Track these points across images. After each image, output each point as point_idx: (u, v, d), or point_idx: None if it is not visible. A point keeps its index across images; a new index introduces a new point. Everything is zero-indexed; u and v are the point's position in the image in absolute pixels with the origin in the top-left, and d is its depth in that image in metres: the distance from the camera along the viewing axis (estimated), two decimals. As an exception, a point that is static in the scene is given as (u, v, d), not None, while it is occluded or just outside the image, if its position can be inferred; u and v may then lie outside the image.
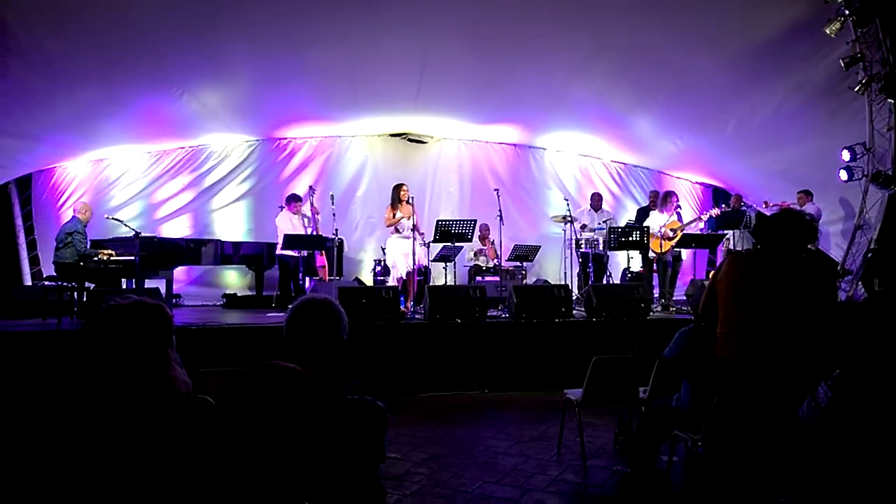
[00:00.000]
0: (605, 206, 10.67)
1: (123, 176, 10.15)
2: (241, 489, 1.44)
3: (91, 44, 6.78)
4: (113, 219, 7.82)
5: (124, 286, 7.52)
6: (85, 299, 6.95)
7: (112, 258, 7.43)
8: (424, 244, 7.97)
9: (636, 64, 8.30)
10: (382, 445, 2.05)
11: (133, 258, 7.30)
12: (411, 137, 11.40)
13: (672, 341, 3.75)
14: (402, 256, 7.79)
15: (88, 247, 7.44)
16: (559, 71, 8.59)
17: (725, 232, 9.12)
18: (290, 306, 2.13)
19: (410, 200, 7.93)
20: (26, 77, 7.03)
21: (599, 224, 9.62)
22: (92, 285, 7.22)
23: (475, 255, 10.14)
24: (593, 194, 10.40)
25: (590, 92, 9.23)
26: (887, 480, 2.31)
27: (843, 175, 8.45)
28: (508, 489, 3.79)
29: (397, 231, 7.85)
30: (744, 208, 9.57)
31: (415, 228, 7.77)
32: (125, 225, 7.52)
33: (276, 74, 8.29)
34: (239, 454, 1.43)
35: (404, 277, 7.82)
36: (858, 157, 8.31)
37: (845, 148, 8.35)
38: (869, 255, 8.35)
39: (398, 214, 7.80)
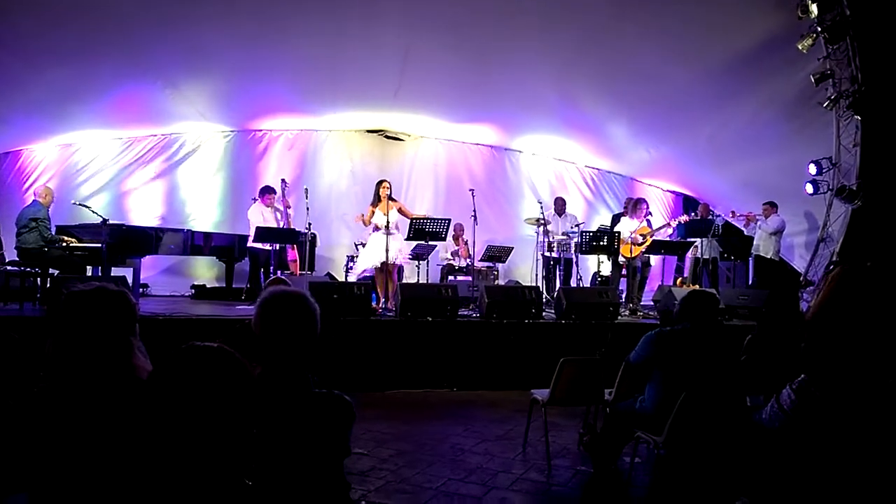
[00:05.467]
0: (576, 211, 10.74)
1: (92, 162, 9.92)
2: (200, 478, 1.43)
3: (66, 25, 6.63)
4: (80, 204, 7.65)
5: (90, 273, 7.37)
6: (48, 286, 6.80)
7: (77, 245, 7.27)
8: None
9: (614, 72, 8.41)
10: (348, 439, 2.05)
11: (100, 245, 7.16)
12: (388, 134, 11.37)
13: (638, 345, 3.80)
14: (374, 252, 7.75)
15: (53, 232, 7.27)
16: (539, 73, 8.65)
17: (694, 239, 9.27)
18: (260, 298, 2.10)
19: (391, 197, 7.91)
20: (-4, 56, 6.86)
21: (571, 228, 9.69)
22: (56, 272, 7.06)
23: (451, 255, 10.16)
24: (556, 199, 10.45)
25: (567, 96, 9.32)
26: (847, 485, 2.37)
27: (809, 188, 8.65)
28: (473, 486, 3.82)
29: (377, 228, 7.80)
30: (711, 217, 9.75)
31: (394, 224, 7.74)
32: (93, 211, 7.37)
33: (254, 64, 8.20)
34: (177, 435, 1.42)
35: (370, 273, 7.80)
36: (824, 171, 8.51)
37: (812, 162, 8.55)
38: (831, 267, 8.57)
39: (377, 213, 7.75)
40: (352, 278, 8.07)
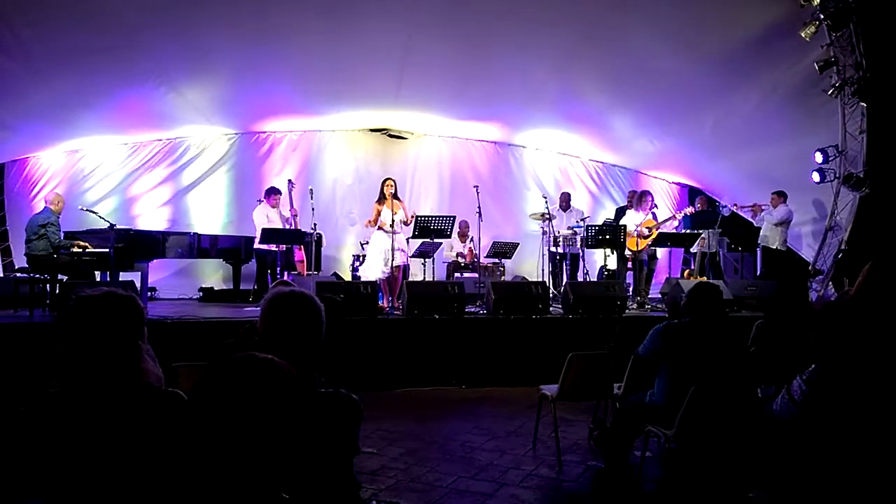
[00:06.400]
0: (581, 205, 10.71)
1: (99, 167, 9.98)
2: (213, 482, 1.43)
3: (69, 32, 6.65)
4: (87, 210, 7.69)
5: (98, 279, 7.41)
6: (58, 292, 6.84)
7: (86, 250, 7.31)
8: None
9: (616, 63, 8.36)
10: (356, 438, 2.05)
11: (107, 250, 7.19)
12: (391, 133, 11.37)
13: (646, 338, 3.79)
14: (379, 252, 7.73)
15: (62, 238, 7.31)
16: (540, 68, 8.62)
17: (700, 231, 9.23)
18: (265, 298, 2.10)
19: (396, 195, 7.86)
20: (1, 64, 6.88)
21: (577, 222, 9.66)
22: (65, 278, 7.10)
23: (456, 255, 10.14)
24: (562, 194, 10.44)
25: (570, 89, 9.27)
26: (858, 474, 2.36)
27: (816, 177, 8.59)
28: (483, 484, 3.82)
29: (381, 227, 7.77)
30: (711, 209, 9.71)
31: (403, 221, 7.69)
32: (100, 217, 7.40)
33: (257, 66, 8.20)
34: (212, 447, 1.41)
35: (382, 275, 7.75)
36: (831, 159, 8.45)
37: (818, 150, 8.49)
38: (839, 255, 8.52)
39: (384, 211, 7.73)
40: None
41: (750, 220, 10.02)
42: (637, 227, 8.64)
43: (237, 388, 1.41)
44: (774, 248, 9.14)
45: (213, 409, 1.40)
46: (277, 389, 1.42)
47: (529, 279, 9.00)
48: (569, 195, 10.39)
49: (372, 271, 7.76)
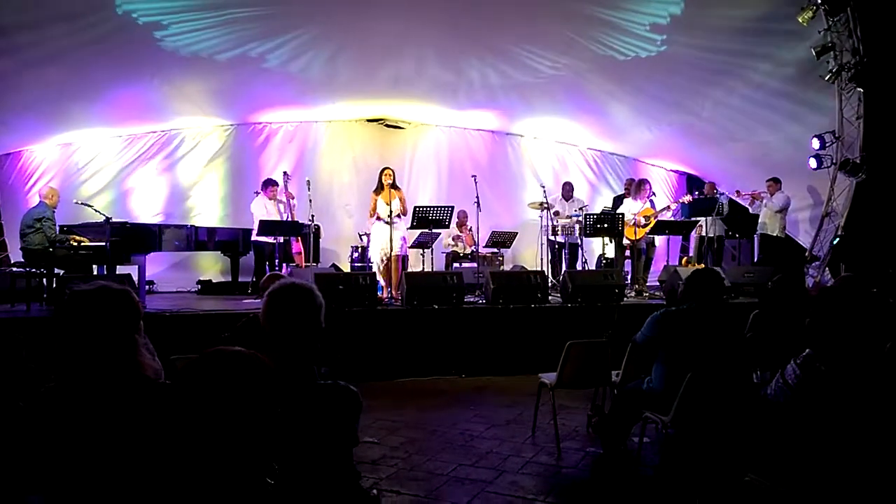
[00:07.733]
0: (579, 194, 10.71)
1: (93, 160, 9.92)
2: (209, 474, 1.44)
3: (58, 24, 6.60)
4: (82, 204, 7.66)
5: (96, 272, 7.39)
6: (54, 286, 6.83)
7: (83, 244, 7.29)
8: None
9: (614, 50, 8.33)
10: (356, 429, 2.06)
11: (104, 244, 7.17)
12: (389, 123, 11.33)
13: (644, 325, 3.80)
14: (377, 242, 7.75)
15: (58, 232, 7.29)
16: (538, 56, 8.58)
17: (698, 219, 9.23)
18: (267, 290, 2.10)
19: (395, 184, 7.81)
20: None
21: (576, 211, 9.65)
22: (62, 272, 7.08)
23: (453, 240, 10.14)
24: (564, 184, 10.42)
25: (568, 77, 9.23)
26: (852, 458, 2.37)
27: (813, 163, 8.59)
28: (483, 471, 3.84)
29: (379, 218, 7.76)
30: (715, 195, 9.71)
31: (399, 213, 7.67)
32: (95, 210, 7.38)
33: (252, 57, 8.15)
34: (204, 439, 1.43)
35: (380, 264, 7.77)
36: (828, 145, 8.44)
37: (815, 136, 8.47)
38: (836, 241, 8.54)
39: (379, 201, 7.70)
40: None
41: (747, 206, 10.02)
42: (635, 215, 8.63)
43: (208, 379, 1.44)
44: (774, 235, 9.14)
45: (189, 401, 1.44)
46: (248, 380, 1.45)
47: (528, 268, 9.00)
48: (571, 185, 10.35)
49: (374, 259, 7.86)
